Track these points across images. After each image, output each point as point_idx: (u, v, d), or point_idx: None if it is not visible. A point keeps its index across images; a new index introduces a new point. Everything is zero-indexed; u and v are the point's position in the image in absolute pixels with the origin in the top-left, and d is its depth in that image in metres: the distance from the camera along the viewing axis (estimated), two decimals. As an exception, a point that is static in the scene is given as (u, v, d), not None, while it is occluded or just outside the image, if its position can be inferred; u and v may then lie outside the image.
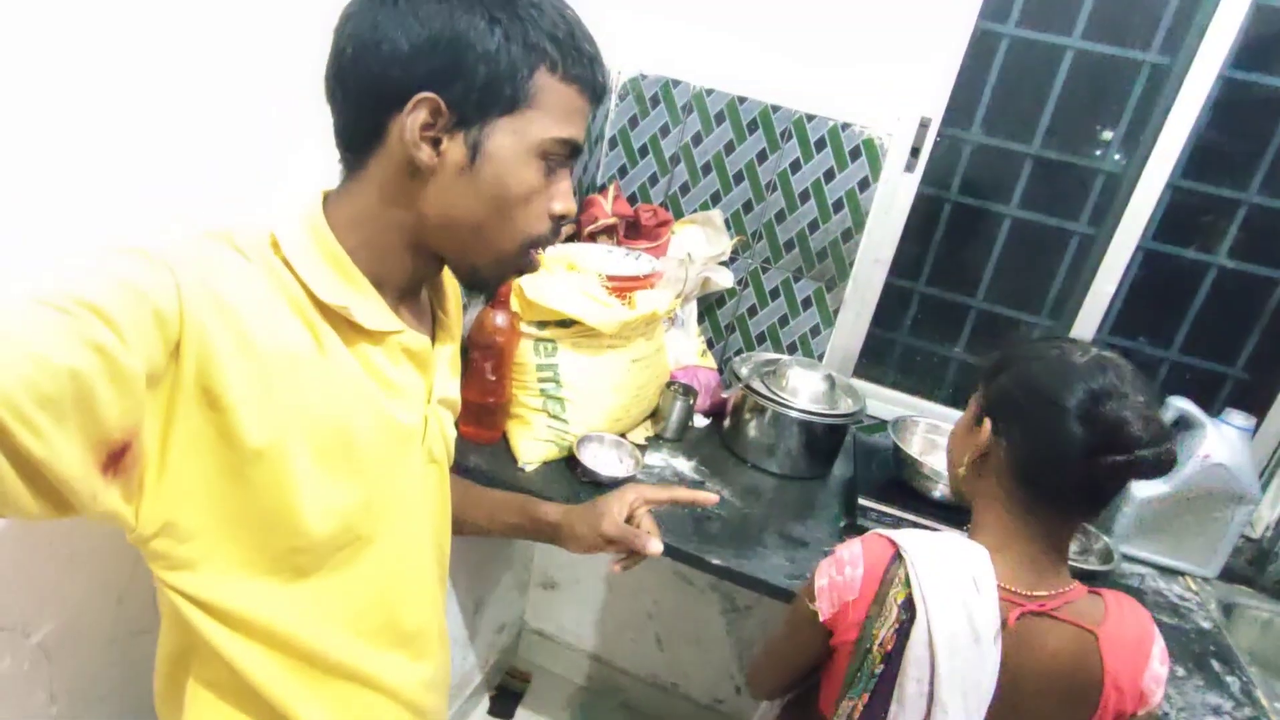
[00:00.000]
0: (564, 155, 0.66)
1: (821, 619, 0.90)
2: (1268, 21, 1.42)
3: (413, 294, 0.74)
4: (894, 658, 0.85)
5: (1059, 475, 0.84)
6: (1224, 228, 1.56)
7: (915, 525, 1.36)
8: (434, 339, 0.76)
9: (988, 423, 0.89)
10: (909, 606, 0.84)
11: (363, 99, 0.62)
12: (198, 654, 0.67)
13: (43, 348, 0.44)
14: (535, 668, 2.21)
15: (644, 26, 1.66)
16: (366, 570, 0.71)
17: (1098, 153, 1.59)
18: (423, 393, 0.74)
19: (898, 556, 0.87)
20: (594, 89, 0.66)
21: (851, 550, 0.91)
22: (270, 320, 0.59)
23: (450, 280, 0.84)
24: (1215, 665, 1.29)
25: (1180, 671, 1.25)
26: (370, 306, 0.65)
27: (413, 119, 0.60)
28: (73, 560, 0.87)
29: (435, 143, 0.62)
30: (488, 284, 0.72)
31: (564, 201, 0.68)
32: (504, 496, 1.03)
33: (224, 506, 0.59)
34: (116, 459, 0.51)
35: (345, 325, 0.64)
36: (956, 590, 0.83)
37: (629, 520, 0.96)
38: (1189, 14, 1.45)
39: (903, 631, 0.84)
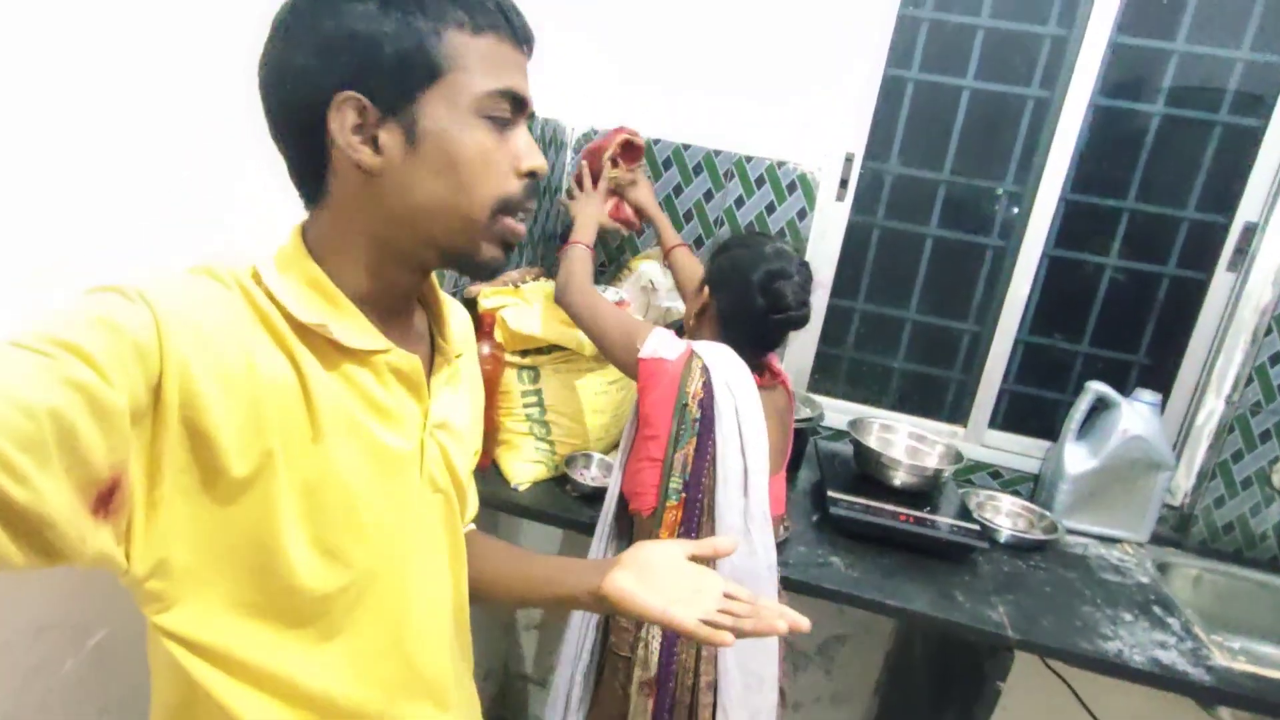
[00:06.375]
0: (509, 109, 0.63)
1: (639, 356, 1.22)
2: (1124, 56, 1.69)
3: (402, 314, 0.71)
4: (706, 403, 1.18)
5: (746, 325, 1.25)
6: (1112, 233, 1.79)
7: (880, 509, 1.48)
8: (433, 364, 0.74)
9: (707, 289, 1.28)
10: (705, 370, 1.20)
11: (296, 130, 0.62)
12: (195, 709, 0.63)
13: (19, 390, 0.44)
14: (527, 717, 2.19)
15: (591, 85, 1.83)
16: (373, 609, 0.67)
17: (998, 177, 1.82)
18: (418, 417, 0.70)
19: (694, 354, 1.22)
20: (514, 33, 0.63)
21: (668, 343, 1.23)
22: (250, 349, 0.58)
23: (454, 308, 0.82)
24: (1157, 610, 1.43)
25: (1128, 617, 1.39)
26: (351, 325, 0.64)
27: (340, 124, 0.60)
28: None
29: (374, 141, 0.61)
30: (479, 264, 0.68)
31: (530, 157, 0.65)
32: (530, 565, 0.88)
33: (215, 543, 0.58)
34: (106, 499, 0.50)
35: (327, 348, 0.62)
36: (731, 360, 1.22)
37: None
38: (1060, 53, 1.71)
39: (708, 384, 1.19)
